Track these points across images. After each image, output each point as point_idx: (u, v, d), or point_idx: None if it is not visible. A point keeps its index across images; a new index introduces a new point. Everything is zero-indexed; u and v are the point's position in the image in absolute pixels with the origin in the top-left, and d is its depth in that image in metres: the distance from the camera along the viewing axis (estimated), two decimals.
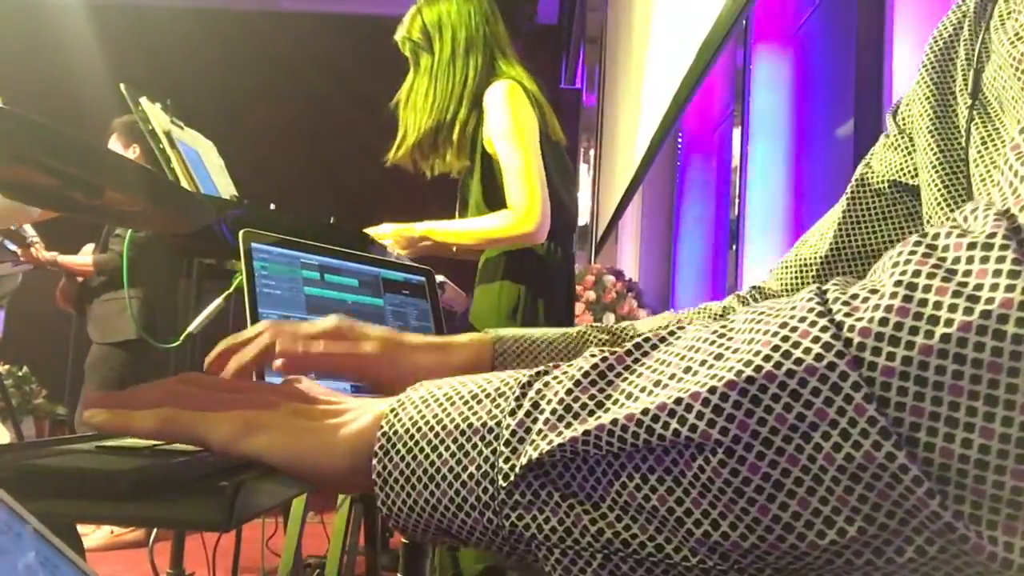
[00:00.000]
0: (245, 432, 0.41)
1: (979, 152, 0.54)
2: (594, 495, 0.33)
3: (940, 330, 0.28)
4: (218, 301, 1.34)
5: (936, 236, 0.31)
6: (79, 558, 0.27)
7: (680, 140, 4.32)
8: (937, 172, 0.61)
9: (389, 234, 1.75)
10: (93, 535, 2.93)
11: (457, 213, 1.93)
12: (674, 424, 0.31)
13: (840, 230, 0.75)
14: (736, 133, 2.82)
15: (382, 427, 0.38)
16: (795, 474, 0.29)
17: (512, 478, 0.34)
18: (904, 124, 0.71)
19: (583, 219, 5.84)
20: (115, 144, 3.14)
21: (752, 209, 2.73)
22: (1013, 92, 0.49)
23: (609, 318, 3.72)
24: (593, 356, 0.36)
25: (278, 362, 0.59)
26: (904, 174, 0.71)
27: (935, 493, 0.28)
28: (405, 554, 1.26)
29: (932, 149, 0.62)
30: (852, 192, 0.75)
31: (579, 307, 3.64)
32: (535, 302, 1.80)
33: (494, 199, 1.74)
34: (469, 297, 1.95)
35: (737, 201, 2.72)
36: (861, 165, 0.75)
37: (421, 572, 1.25)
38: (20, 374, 4.33)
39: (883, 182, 0.72)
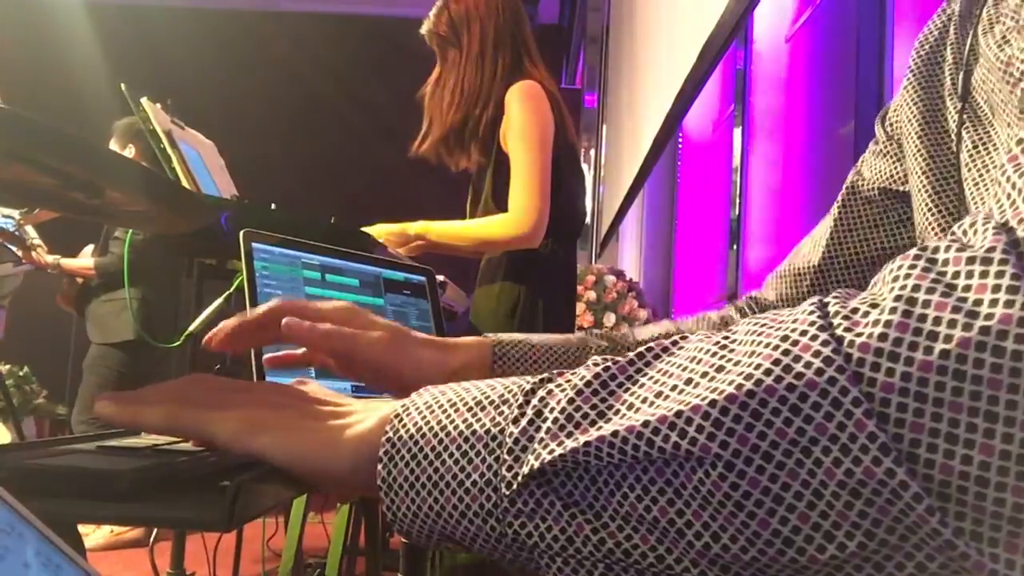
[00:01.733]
0: (250, 430, 0.42)
1: (971, 156, 0.54)
2: (596, 505, 0.33)
3: (939, 346, 0.28)
4: (219, 301, 1.34)
5: (936, 250, 0.31)
6: (81, 558, 0.27)
7: (680, 140, 4.32)
8: (927, 176, 0.61)
9: (383, 232, 1.74)
10: (94, 535, 2.93)
11: (468, 207, 1.93)
12: (674, 437, 0.31)
13: (832, 239, 0.75)
14: (736, 133, 2.82)
15: (387, 432, 0.38)
16: (795, 488, 0.29)
17: (515, 487, 0.34)
18: (892, 130, 0.71)
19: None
20: (113, 146, 3.14)
21: (752, 209, 2.73)
22: (1002, 96, 0.49)
23: (610, 318, 3.72)
24: (596, 364, 0.36)
25: (285, 321, 0.57)
26: (894, 181, 0.71)
27: (935, 510, 0.28)
28: (405, 554, 1.26)
29: (921, 154, 0.62)
30: (843, 200, 0.75)
31: (579, 307, 3.64)
32: (535, 303, 1.79)
33: (503, 197, 1.74)
34: (470, 297, 1.95)
35: (737, 201, 2.72)
36: (851, 173, 0.75)
37: (421, 572, 1.25)
38: (21, 374, 4.33)
39: (873, 189, 0.72)
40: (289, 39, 6.46)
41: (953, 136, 0.57)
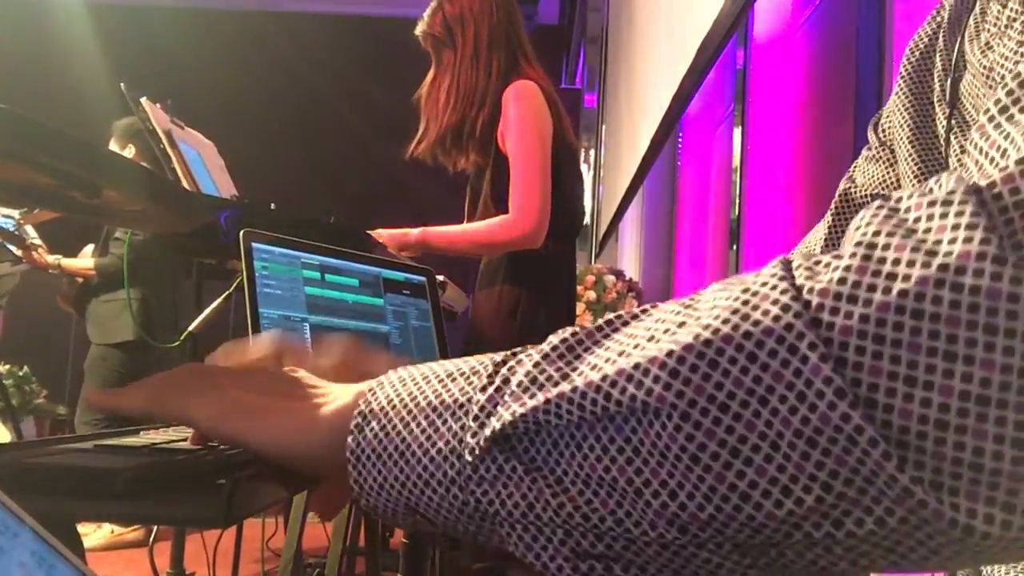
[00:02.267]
0: (226, 413, 0.41)
1: (959, 161, 0.54)
2: (557, 469, 0.33)
3: (898, 286, 0.27)
4: (218, 301, 1.34)
5: (899, 199, 0.30)
6: (76, 558, 0.27)
7: (680, 140, 4.32)
8: (918, 180, 0.62)
9: (384, 237, 1.74)
10: (93, 535, 2.93)
11: (466, 209, 1.93)
12: (631, 389, 0.31)
13: (827, 246, 0.74)
14: (736, 133, 2.82)
15: (359, 405, 0.38)
16: (752, 440, 0.29)
17: (477, 452, 0.34)
18: (885, 136, 0.71)
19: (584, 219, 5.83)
20: (113, 146, 3.14)
21: (752, 209, 2.73)
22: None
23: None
24: (564, 331, 0.35)
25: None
26: (886, 186, 0.71)
27: (892, 456, 0.27)
28: (405, 554, 1.26)
29: (913, 159, 0.62)
30: (836, 207, 0.75)
31: (579, 307, 3.64)
32: (535, 305, 1.79)
33: (502, 197, 1.74)
34: (469, 297, 1.95)
35: (737, 201, 2.72)
36: (844, 179, 0.75)
37: (421, 572, 1.25)
38: (20, 374, 4.32)
39: (866, 195, 0.72)
40: (289, 39, 6.47)
41: (943, 142, 0.58)
